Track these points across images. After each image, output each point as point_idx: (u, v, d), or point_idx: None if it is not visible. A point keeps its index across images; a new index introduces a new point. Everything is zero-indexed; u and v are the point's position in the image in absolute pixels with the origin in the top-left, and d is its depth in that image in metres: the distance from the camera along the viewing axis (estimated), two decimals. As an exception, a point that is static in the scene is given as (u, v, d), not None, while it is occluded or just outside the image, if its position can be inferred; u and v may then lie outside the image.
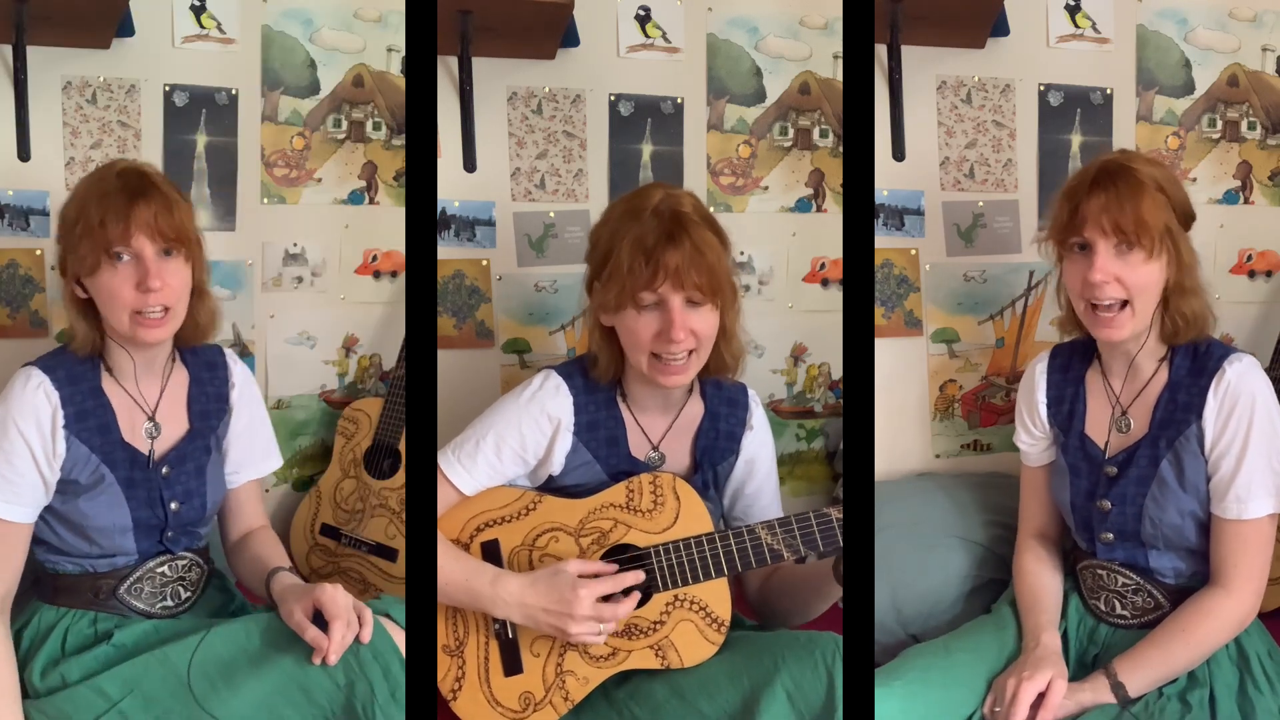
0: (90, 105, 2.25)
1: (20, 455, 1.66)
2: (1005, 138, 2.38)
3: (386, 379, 2.50)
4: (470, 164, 2.32)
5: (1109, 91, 2.39)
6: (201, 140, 2.32)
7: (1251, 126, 2.42)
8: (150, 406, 1.77)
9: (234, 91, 2.33)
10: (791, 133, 2.45)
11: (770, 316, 2.45)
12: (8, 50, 2.16)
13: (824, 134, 2.45)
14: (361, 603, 1.65)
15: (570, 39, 2.33)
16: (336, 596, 1.62)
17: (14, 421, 1.67)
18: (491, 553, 1.78)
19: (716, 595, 1.74)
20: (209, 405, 1.83)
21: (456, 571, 1.73)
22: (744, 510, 1.95)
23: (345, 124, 2.41)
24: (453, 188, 2.32)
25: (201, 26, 2.31)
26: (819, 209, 2.47)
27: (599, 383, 1.84)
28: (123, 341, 1.71)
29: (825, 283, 2.48)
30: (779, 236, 2.46)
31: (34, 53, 2.17)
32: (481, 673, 1.77)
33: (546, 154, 2.37)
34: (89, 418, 1.71)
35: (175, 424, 1.79)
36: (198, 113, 2.31)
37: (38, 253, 2.24)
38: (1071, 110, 2.38)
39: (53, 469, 1.69)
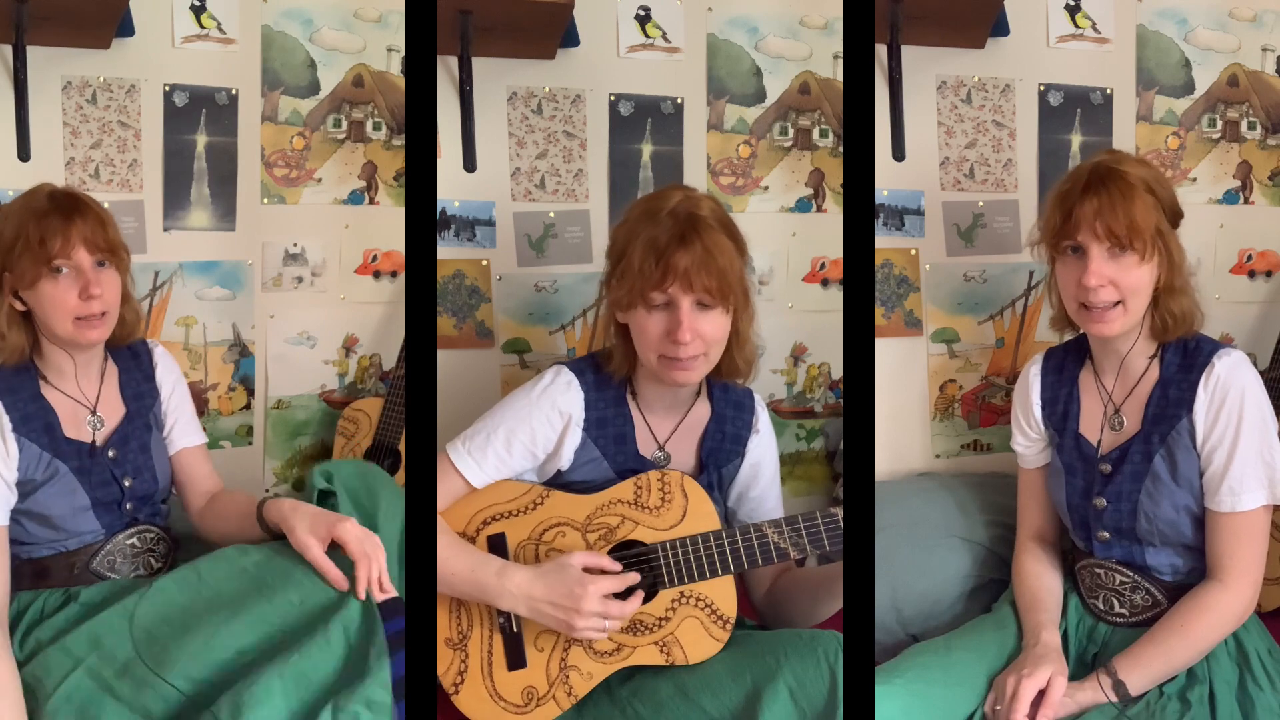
0: (90, 105, 2.25)
1: None
2: (1005, 137, 2.38)
3: (386, 379, 2.50)
4: (470, 164, 2.32)
5: (1109, 91, 2.39)
6: (201, 140, 2.32)
7: (1251, 126, 2.42)
8: (91, 402, 1.88)
9: (234, 91, 2.34)
10: (791, 133, 2.45)
11: (770, 316, 2.44)
12: (8, 50, 2.16)
13: (824, 134, 2.45)
14: (375, 538, 1.69)
15: (570, 39, 2.33)
16: (360, 534, 1.67)
17: (540, 411, 1.78)
18: (498, 547, 1.78)
19: (722, 593, 1.75)
20: (141, 388, 1.94)
21: (462, 563, 1.73)
22: (749, 513, 1.95)
23: (345, 124, 2.41)
24: (453, 188, 2.32)
25: (201, 26, 2.31)
26: (819, 209, 2.47)
27: (610, 379, 1.84)
28: (64, 345, 1.82)
29: (825, 283, 2.48)
30: (779, 236, 2.46)
31: (34, 53, 2.17)
32: (485, 666, 1.77)
33: (546, 154, 2.37)
34: (33, 419, 1.81)
35: (114, 413, 1.90)
36: (198, 113, 2.31)
37: (484, 263, 2.29)
38: (1071, 110, 2.38)
39: (10, 469, 1.77)
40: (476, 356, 2.38)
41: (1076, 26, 2.37)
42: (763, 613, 1.95)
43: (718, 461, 1.89)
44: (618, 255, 1.78)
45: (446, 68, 2.28)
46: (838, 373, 2.50)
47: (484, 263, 2.36)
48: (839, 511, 1.70)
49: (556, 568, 1.71)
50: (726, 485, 1.92)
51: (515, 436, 1.80)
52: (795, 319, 2.48)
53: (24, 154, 2.19)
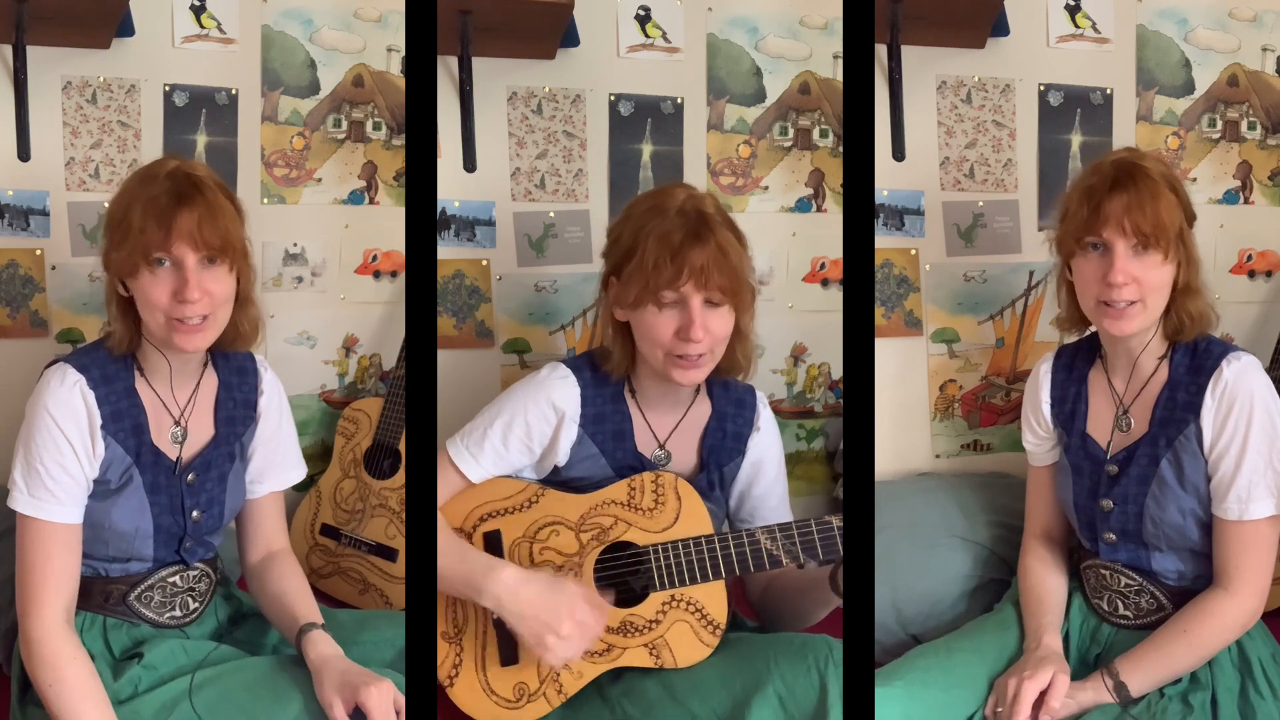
0: (90, 105, 2.25)
1: (67, 455, 1.62)
2: (1005, 138, 2.38)
3: (386, 379, 2.50)
4: (470, 164, 2.32)
5: (1109, 91, 2.39)
6: (201, 140, 2.32)
7: (1251, 126, 2.42)
8: (179, 410, 1.73)
9: (234, 91, 2.34)
10: (791, 133, 2.45)
11: (770, 316, 2.44)
12: (8, 50, 2.16)
13: (824, 134, 2.45)
14: (399, 694, 1.59)
15: (570, 39, 2.33)
16: (384, 702, 1.56)
17: (55, 421, 1.62)
18: (493, 543, 1.79)
19: (713, 598, 1.74)
20: (236, 412, 1.79)
21: (451, 557, 1.72)
22: (751, 512, 1.95)
23: (345, 124, 2.41)
24: (453, 188, 2.32)
25: (201, 26, 2.31)
26: (819, 209, 2.47)
27: (609, 377, 1.84)
28: (159, 345, 1.68)
29: (825, 283, 2.48)
30: (779, 236, 2.46)
31: (34, 53, 2.17)
32: (479, 661, 1.77)
33: (546, 154, 2.37)
34: (123, 418, 1.67)
35: (201, 429, 1.75)
36: (197, 113, 2.31)
37: (38, 253, 2.24)
38: (1071, 110, 2.38)
39: (93, 467, 1.64)
40: (476, 356, 2.39)
41: (1076, 26, 2.37)
42: (759, 611, 1.95)
43: (718, 460, 1.89)
44: (624, 253, 1.77)
45: (446, 68, 2.28)
46: (838, 373, 2.50)
47: (484, 263, 2.36)
48: (834, 520, 1.70)
49: (551, 581, 1.70)
50: (728, 484, 1.92)
51: (511, 431, 1.80)
52: (795, 319, 2.48)
53: (24, 154, 2.19)
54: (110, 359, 1.68)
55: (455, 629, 1.79)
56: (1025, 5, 2.34)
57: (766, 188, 2.44)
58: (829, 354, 2.50)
